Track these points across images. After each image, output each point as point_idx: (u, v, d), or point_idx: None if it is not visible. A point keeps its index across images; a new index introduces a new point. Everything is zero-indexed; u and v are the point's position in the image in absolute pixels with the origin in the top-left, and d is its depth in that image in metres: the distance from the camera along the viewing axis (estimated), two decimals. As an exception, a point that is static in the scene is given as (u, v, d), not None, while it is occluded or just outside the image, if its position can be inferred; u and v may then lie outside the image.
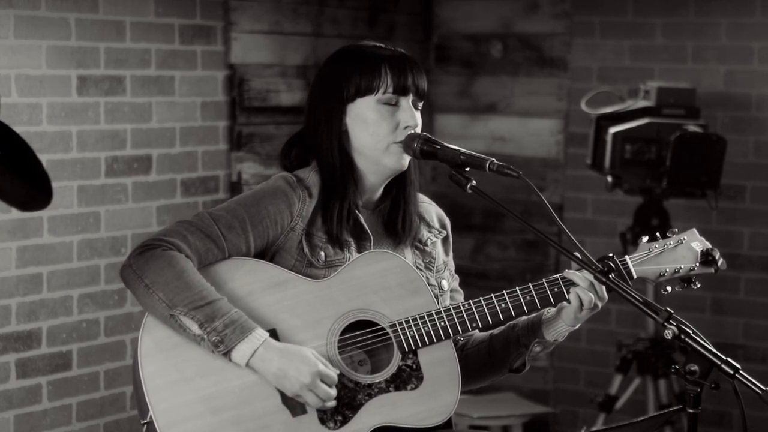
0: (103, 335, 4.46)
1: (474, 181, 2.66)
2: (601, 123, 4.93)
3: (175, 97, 4.67)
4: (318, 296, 2.65)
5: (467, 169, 2.68)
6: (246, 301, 2.61)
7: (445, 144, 2.72)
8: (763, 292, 5.26)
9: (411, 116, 2.72)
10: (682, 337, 2.43)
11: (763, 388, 2.38)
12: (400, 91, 2.73)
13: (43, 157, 4.20)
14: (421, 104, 2.78)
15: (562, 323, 2.75)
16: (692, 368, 2.42)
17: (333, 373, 2.56)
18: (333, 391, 2.55)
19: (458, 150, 2.68)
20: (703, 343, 2.43)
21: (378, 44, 2.81)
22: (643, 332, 4.98)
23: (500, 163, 2.63)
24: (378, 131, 2.72)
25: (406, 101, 2.73)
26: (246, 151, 4.95)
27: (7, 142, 2.51)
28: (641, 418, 2.86)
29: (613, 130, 4.82)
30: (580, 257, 2.60)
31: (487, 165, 2.63)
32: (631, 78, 5.34)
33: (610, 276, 2.56)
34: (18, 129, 4.07)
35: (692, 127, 4.78)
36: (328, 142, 2.74)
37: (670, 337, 2.43)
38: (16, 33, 4.13)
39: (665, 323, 2.44)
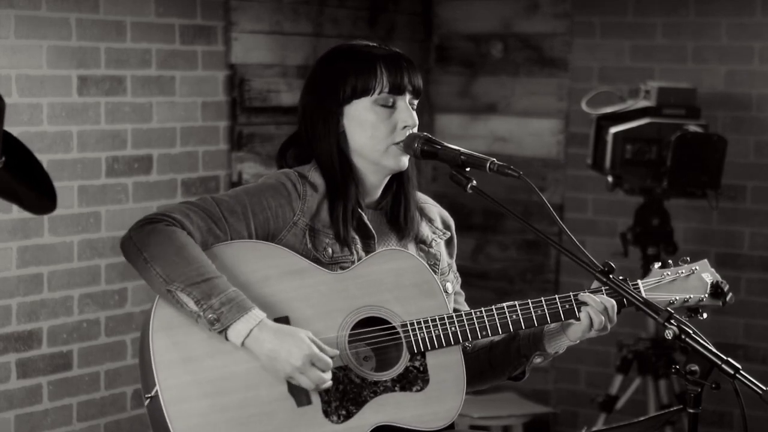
0: (104, 335, 4.46)
1: (474, 181, 2.65)
2: (602, 123, 4.93)
3: (175, 97, 4.67)
4: (333, 288, 2.63)
5: (468, 169, 2.67)
6: (261, 285, 2.58)
7: (445, 144, 2.71)
8: (763, 292, 5.26)
9: (409, 116, 2.70)
10: (683, 337, 2.43)
11: (764, 388, 2.38)
12: (397, 90, 2.70)
13: (44, 158, 4.20)
14: (417, 102, 2.75)
15: (565, 338, 2.74)
16: (693, 368, 2.42)
17: (326, 358, 2.52)
18: (326, 375, 2.52)
19: (459, 150, 2.67)
20: (704, 343, 2.43)
21: (370, 43, 2.78)
22: (644, 332, 4.98)
23: (501, 163, 2.62)
24: (376, 133, 2.69)
25: (403, 101, 2.71)
26: (246, 151, 4.95)
27: (12, 150, 2.51)
28: (642, 418, 2.85)
29: (613, 130, 4.82)
30: (580, 257, 2.61)
31: (488, 165, 2.62)
32: (632, 78, 5.34)
33: (610, 276, 2.56)
34: (18, 129, 4.11)
35: (693, 127, 4.78)
36: (327, 145, 2.72)
37: (670, 338, 2.43)
38: (17, 33, 4.13)
39: (666, 323, 2.44)
